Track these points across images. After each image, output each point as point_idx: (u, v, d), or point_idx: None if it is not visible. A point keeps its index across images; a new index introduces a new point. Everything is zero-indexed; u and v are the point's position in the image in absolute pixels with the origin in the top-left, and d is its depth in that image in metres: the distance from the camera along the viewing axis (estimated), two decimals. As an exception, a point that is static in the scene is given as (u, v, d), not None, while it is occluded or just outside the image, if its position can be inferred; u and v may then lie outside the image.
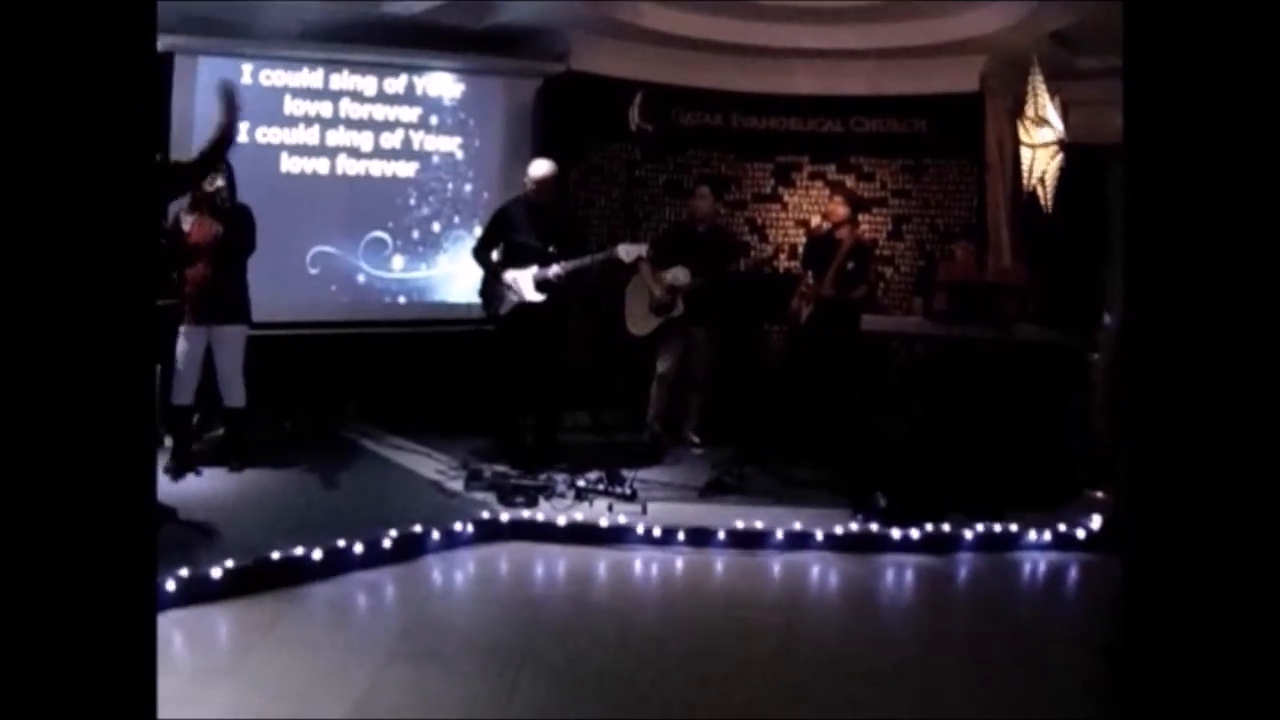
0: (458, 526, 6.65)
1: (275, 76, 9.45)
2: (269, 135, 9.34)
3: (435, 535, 6.53)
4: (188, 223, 7.42)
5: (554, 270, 7.77)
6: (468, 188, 10.07)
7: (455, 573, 6.36)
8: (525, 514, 6.96)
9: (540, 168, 7.99)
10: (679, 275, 8.49)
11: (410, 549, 6.41)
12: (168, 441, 7.92)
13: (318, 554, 6.02)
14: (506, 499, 7.14)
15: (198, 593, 5.60)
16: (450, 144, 10.03)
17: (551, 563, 6.54)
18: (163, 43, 8.94)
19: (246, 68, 9.33)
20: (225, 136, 6.33)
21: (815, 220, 10.75)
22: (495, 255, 8.12)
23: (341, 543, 6.14)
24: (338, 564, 6.08)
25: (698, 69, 10.67)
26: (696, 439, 9.00)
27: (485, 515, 6.85)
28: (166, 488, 7.07)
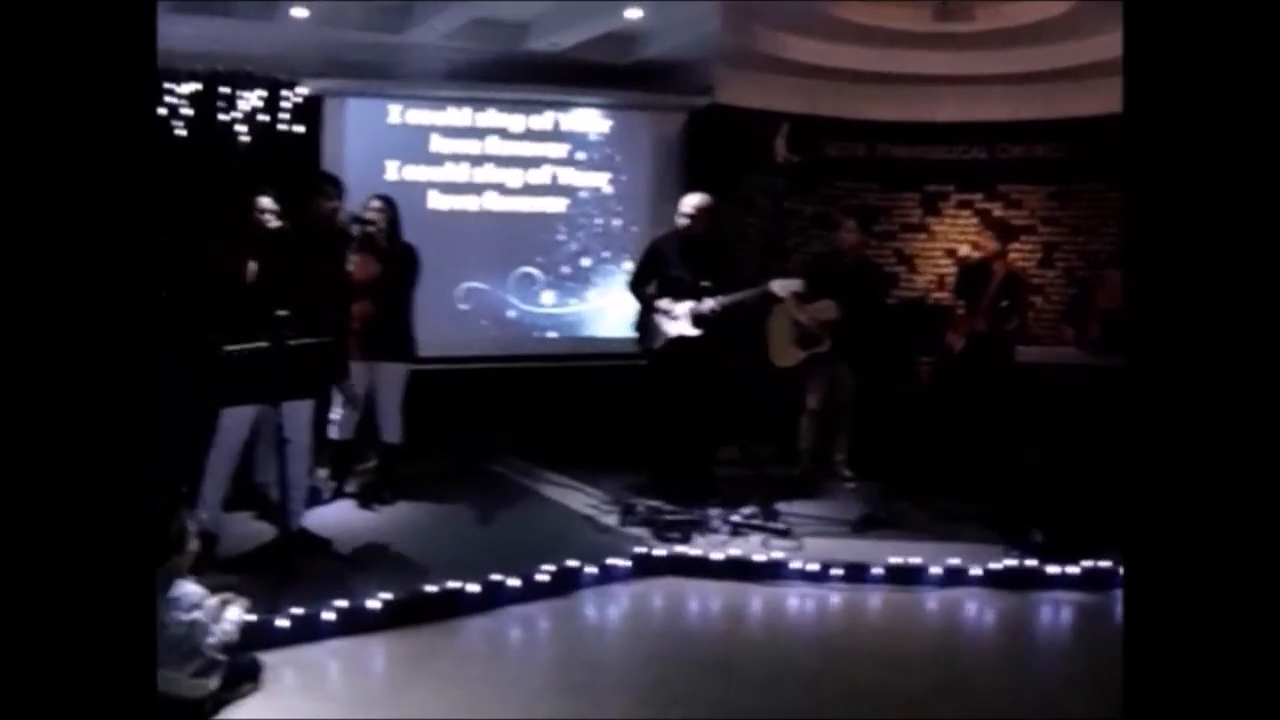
0: (612, 562, 6.60)
1: (422, 115, 9.59)
2: (416, 173, 9.47)
3: (590, 570, 6.49)
4: (353, 262, 7.53)
5: (710, 304, 7.71)
6: (616, 222, 10.08)
7: (609, 608, 6.31)
8: (680, 549, 6.88)
9: (693, 201, 7.94)
10: (826, 309, 8.38)
11: (565, 584, 6.38)
12: (322, 473, 8.03)
13: (474, 588, 6.03)
14: (661, 534, 7.08)
15: (355, 624, 5.67)
16: (598, 179, 10.06)
17: (706, 598, 6.45)
18: (311, 86, 9.19)
19: (394, 108, 9.50)
20: None
21: (964, 250, 10.57)
22: (650, 289, 8.09)
23: (497, 577, 6.14)
24: (493, 598, 6.09)
25: (842, 99, 10.58)
26: (848, 472, 8.85)
27: (640, 550, 6.78)
28: (321, 520, 7.16)
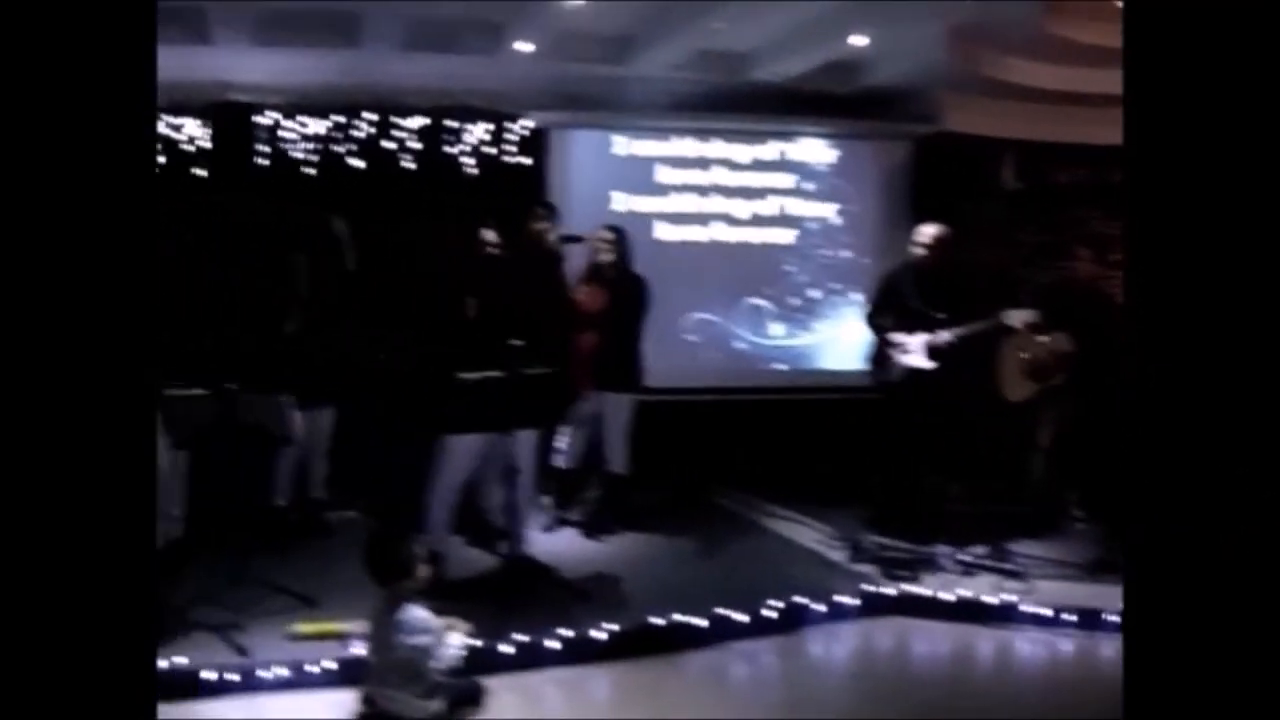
0: (840, 599, 6.43)
1: (648, 147, 9.63)
2: (643, 204, 9.49)
3: (817, 607, 6.33)
4: (581, 292, 7.58)
5: (944, 336, 7.50)
6: (845, 253, 9.91)
7: (836, 646, 6.14)
8: (908, 588, 6.66)
9: (928, 231, 7.73)
10: (1059, 341, 8.04)
11: (791, 620, 6.23)
12: (547, 500, 8.08)
13: (699, 622, 5.94)
14: (889, 572, 6.86)
15: (580, 653, 5.65)
16: (825, 210, 9.91)
17: (935, 641, 6.21)
18: (536, 119, 9.31)
19: (619, 139, 9.57)
20: None
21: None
22: (886, 321, 7.91)
23: (723, 611, 6.03)
24: (719, 632, 5.98)
25: (1070, 123, 10.14)
26: (1079, 512, 8.48)
27: (867, 588, 6.60)
28: (546, 547, 7.18)
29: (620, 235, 7.67)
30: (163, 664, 5.36)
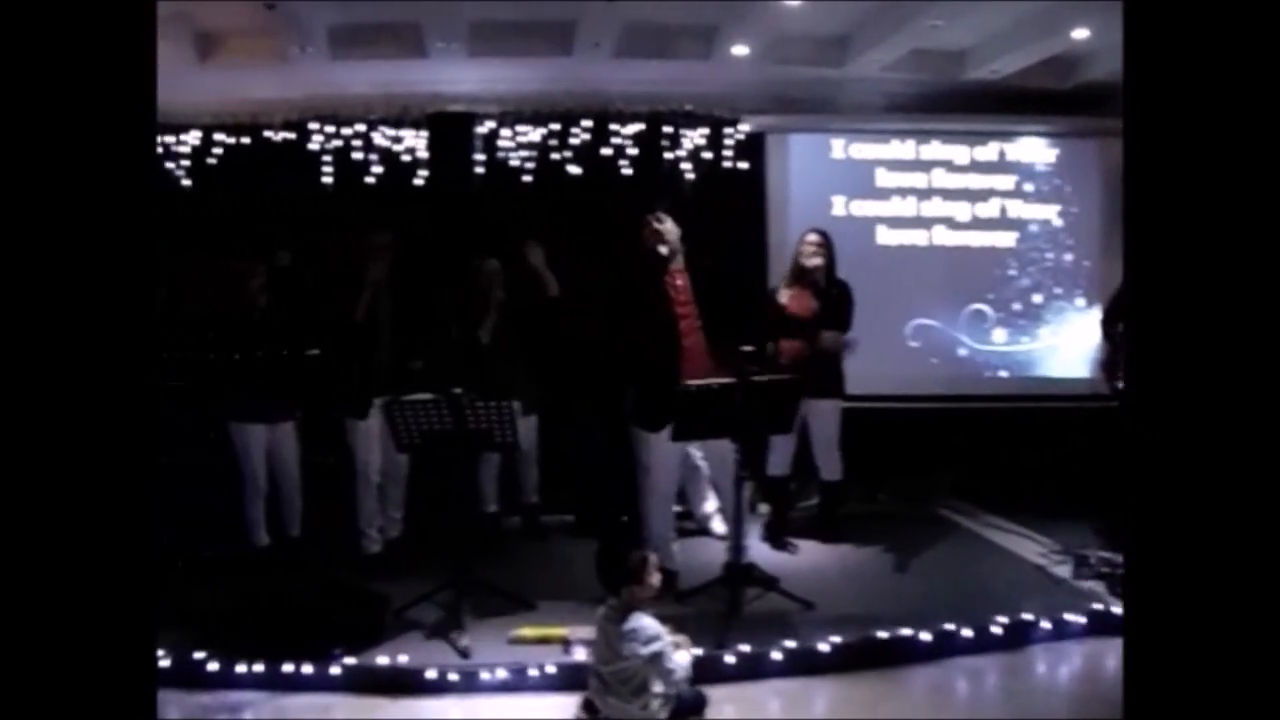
0: (1068, 617, 6.20)
1: (866, 150, 9.47)
2: (863, 209, 9.34)
3: (1044, 625, 6.11)
4: (785, 296, 7.49)
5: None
6: (1067, 256, 9.57)
7: (1061, 667, 5.91)
8: (1138, 607, 6.38)
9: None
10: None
11: (1016, 637, 6.03)
12: (762, 509, 8.02)
13: (925, 636, 5.80)
14: (1116, 590, 6.58)
15: (803, 665, 5.58)
16: (1047, 211, 9.59)
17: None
18: (754, 123, 9.25)
19: (836, 142, 9.43)
20: None
21: None
22: (1120, 329, 7.62)
23: (949, 626, 5.88)
24: (942, 648, 5.83)
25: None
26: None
27: (1095, 607, 6.34)
28: (766, 556, 7.17)
29: (827, 239, 7.55)
30: (384, 660, 5.53)
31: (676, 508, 7.17)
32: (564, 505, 8.33)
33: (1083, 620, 6.23)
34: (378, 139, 9.29)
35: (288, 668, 5.50)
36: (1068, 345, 9.33)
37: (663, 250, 6.47)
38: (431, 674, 5.43)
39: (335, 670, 5.47)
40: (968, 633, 5.90)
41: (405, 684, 5.44)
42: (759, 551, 7.16)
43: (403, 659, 5.53)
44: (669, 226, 6.53)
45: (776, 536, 7.67)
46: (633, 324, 6.60)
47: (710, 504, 7.81)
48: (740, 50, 8.38)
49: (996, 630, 5.99)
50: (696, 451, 7.20)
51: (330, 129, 9.30)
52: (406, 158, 9.29)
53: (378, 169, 9.27)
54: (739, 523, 6.26)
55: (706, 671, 5.25)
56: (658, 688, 4.76)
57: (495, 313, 7.58)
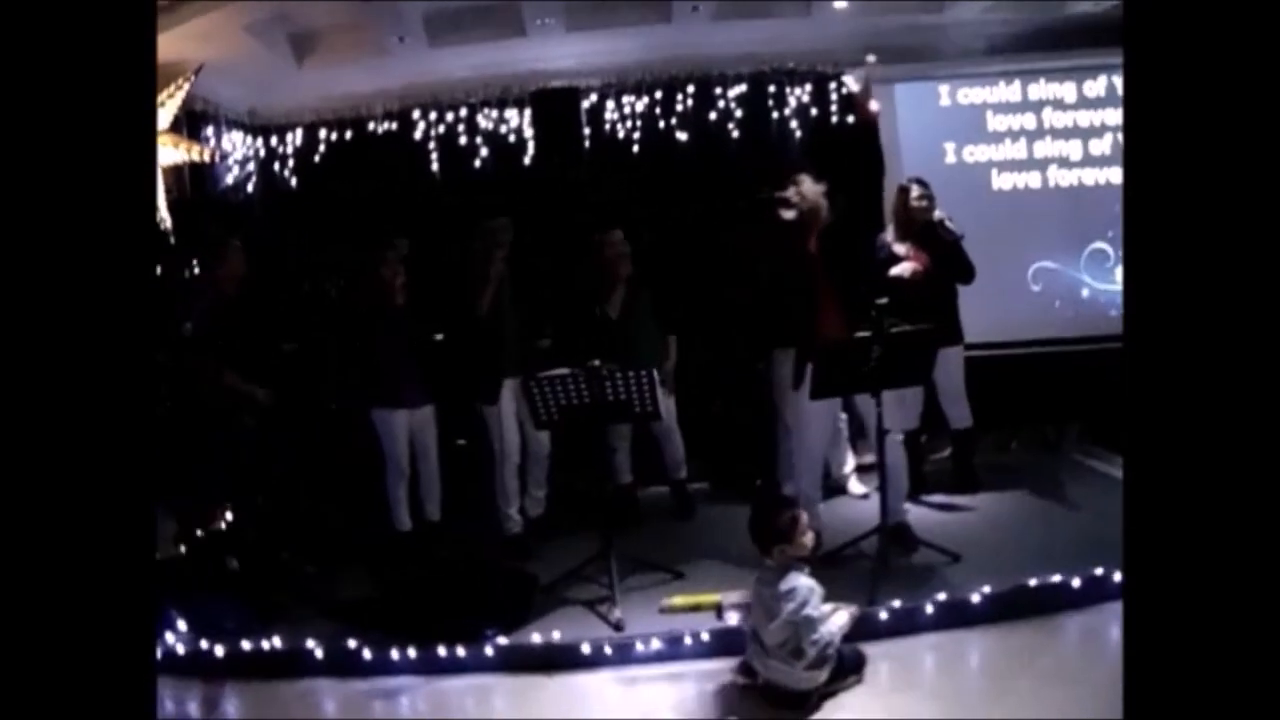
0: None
1: (973, 94, 9.27)
2: (976, 154, 9.18)
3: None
4: (901, 248, 7.40)
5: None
6: (1185, 186, 9.33)
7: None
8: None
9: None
10: None
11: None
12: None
13: (1075, 582, 5.74)
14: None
15: (956, 617, 5.56)
16: (1162, 139, 9.33)
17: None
18: (858, 74, 9.12)
19: (943, 88, 9.26)
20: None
21: None
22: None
23: (1100, 570, 5.80)
24: (1094, 593, 5.74)
25: None
26: None
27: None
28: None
29: (928, 187, 7.47)
30: (538, 638, 5.59)
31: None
32: (702, 473, 8.34)
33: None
34: (481, 122, 9.31)
35: (442, 651, 5.59)
36: (1193, 279, 9.07)
37: (788, 215, 6.43)
38: (586, 649, 5.50)
39: (490, 651, 5.55)
40: (1118, 577, 5.80)
41: (561, 660, 5.50)
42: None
43: (556, 635, 5.60)
44: (808, 187, 6.46)
45: (911, 492, 7.59)
46: (776, 287, 6.60)
47: (849, 465, 7.79)
48: (839, 3, 8.28)
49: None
50: (841, 414, 7.17)
51: (433, 116, 9.34)
52: (512, 139, 9.30)
53: (484, 152, 9.29)
54: (890, 478, 6.24)
55: (859, 629, 5.22)
56: (815, 649, 4.77)
57: (624, 286, 7.57)
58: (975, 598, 5.60)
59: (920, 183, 7.51)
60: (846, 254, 6.56)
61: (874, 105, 8.81)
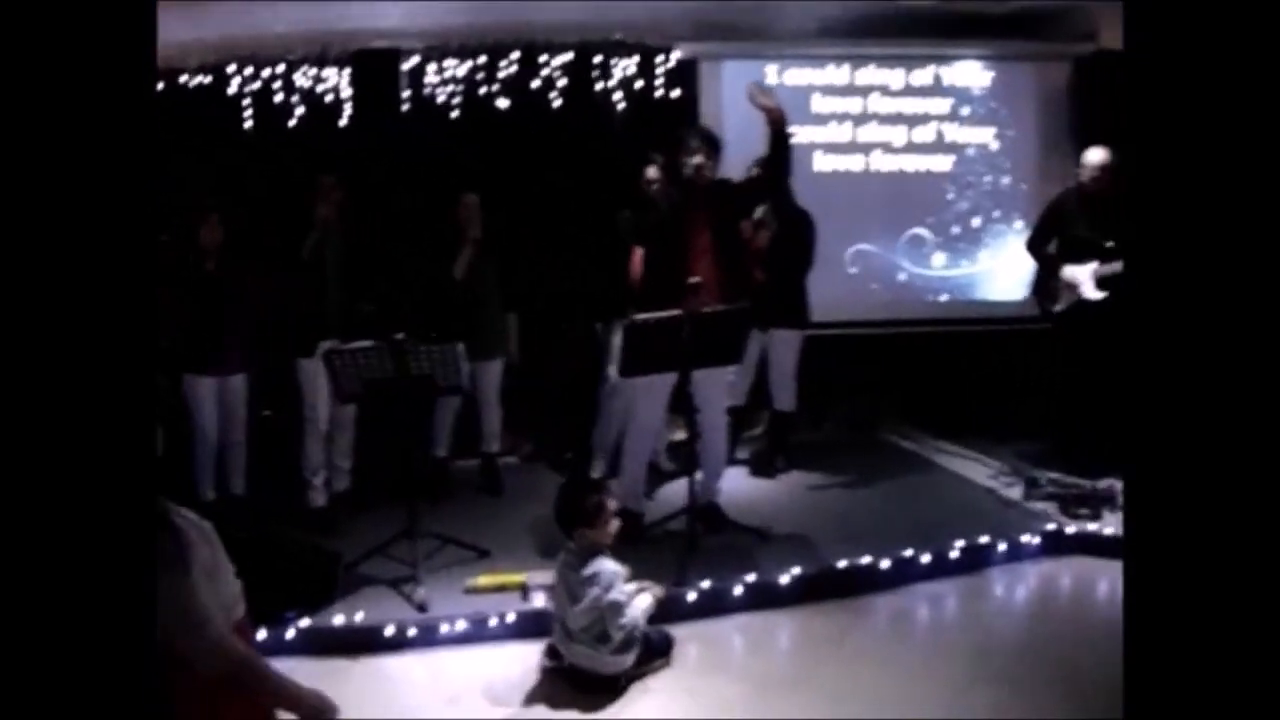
0: (1024, 539, 6.24)
1: (801, 75, 9.35)
2: (800, 135, 9.17)
3: (1000, 548, 6.15)
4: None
5: (1116, 266, 7.15)
6: (1005, 180, 9.53)
7: (1019, 588, 5.96)
8: (1090, 526, 6.43)
9: (1096, 155, 7.36)
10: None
11: (975, 561, 6.07)
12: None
13: (884, 563, 5.81)
14: (1068, 510, 6.63)
15: (765, 599, 5.56)
16: (984, 135, 9.53)
17: (1118, 581, 5.89)
18: (685, 50, 9.09)
19: (770, 68, 9.29)
20: (779, 135, 6.16)
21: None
22: (1051, 249, 7.61)
23: (907, 553, 5.88)
24: (902, 575, 5.85)
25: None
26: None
27: (1049, 528, 6.38)
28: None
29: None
30: (340, 620, 5.39)
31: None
32: (516, 447, 8.23)
33: (1036, 541, 6.31)
34: (299, 80, 9.01)
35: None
36: (1007, 268, 9.31)
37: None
38: (390, 630, 5.32)
39: (290, 633, 5.33)
40: (926, 558, 5.92)
41: (364, 642, 5.31)
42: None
43: (359, 617, 5.41)
44: (699, 159, 6.26)
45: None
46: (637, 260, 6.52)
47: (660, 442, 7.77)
48: (672, -24, 8.22)
49: (954, 554, 6.02)
50: None
51: (249, 71, 9.00)
52: (330, 98, 9.02)
53: (300, 111, 8.99)
54: (704, 458, 6.20)
55: (667, 611, 5.19)
56: (621, 632, 4.70)
57: (472, 248, 7.35)
58: (784, 579, 5.60)
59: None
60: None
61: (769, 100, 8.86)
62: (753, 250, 7.26)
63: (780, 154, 6.28)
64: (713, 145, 6.35)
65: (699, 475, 6.13)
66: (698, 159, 6.21)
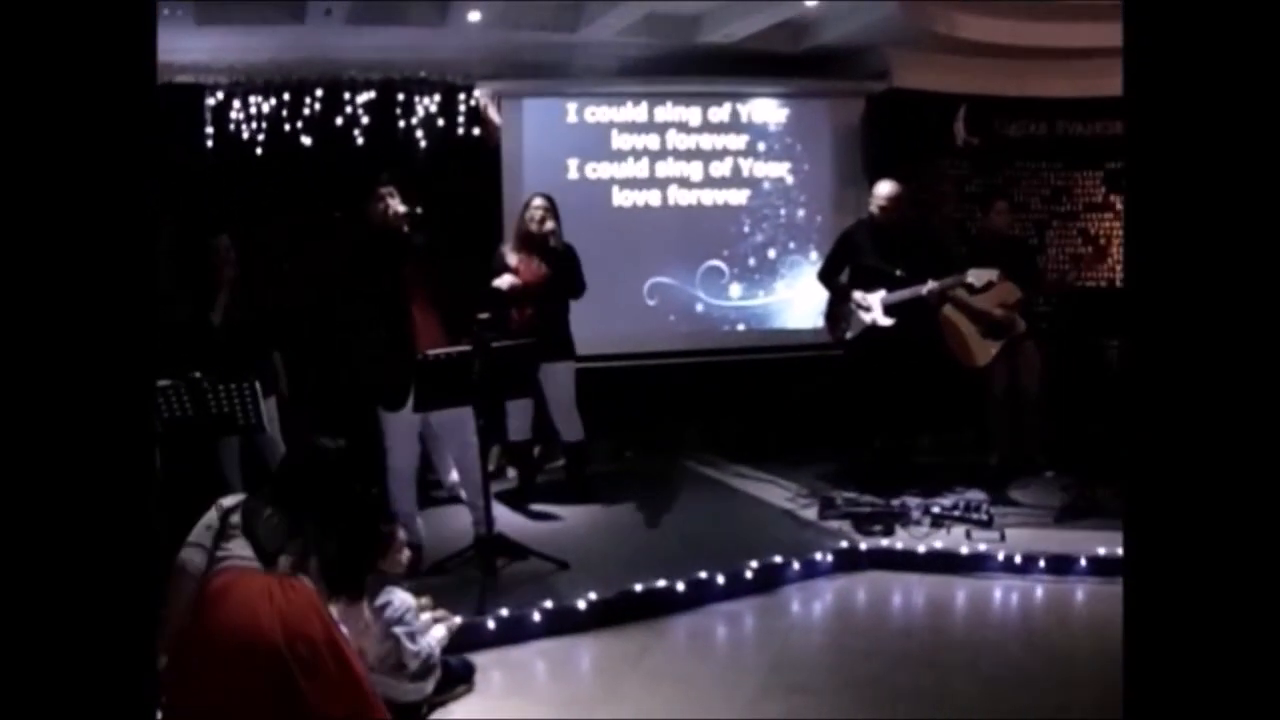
0: (817, 556, 6.48)
1: (600, 113, 9.52)
2: (599, 170, 9.40)
3: (794, 566, 6.37)
4: (513, 260, 7.48)
5: (904, 293, 7.51)
6: (800, 212, 9.87)
7: (815, 604, 6.18)
8: (882, 542, 6.71)
9: (885, 188, 7.73)
10: (1008, 291, 7.96)
11: (770, 580, 6.27)
12: (510, 473, 8.08)
13: (680, 586, 5.96)
14: (861, 527, 6.90)
15: (564, 624, 5.65)
16: (780, 169, 9.86)
17: (911, 592, 6.29)
18: (487, 89, 9.18)
19: (571, 106, 9.45)
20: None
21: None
22: (843, 279, 7.93)
23: (703, 575, 6.05)
24: (700, 596, 6.01)
25: (1019, 77, 10.13)
26: (1043, 460, 8.51)
27: (842, 545, 6.64)
28: (516, 521, 7.23)
29: (552, 202, 7.54)
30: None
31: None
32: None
33: (830, 558, 6.54)
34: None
35: None
36: (802, 298, 9.61)
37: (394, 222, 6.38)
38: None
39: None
40: (721, 579, 6.09)
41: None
42: (508, 518, 7.19)
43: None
44: (396, 202, 6.35)
45: (523, 501, 7.69)
46: (364, 301, 6.53)
47: (455, 472, 7.80)
48: (473, 15, 8.30)
49: (749, 574, 6.20)
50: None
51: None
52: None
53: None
54: (485, 493, 6.27)
55: (469, 639, 5.25)
56: (418, 661, 4.76)
57: (228, 291, 7.24)
58: (582, 604, 5.70)
59: (544, 196, 7.57)
60: (458, 266, 6.58)
61: (495, 117, 8.91)
62: (524, 286, 7.43)
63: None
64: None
65: (481, 505, 6.27)
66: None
